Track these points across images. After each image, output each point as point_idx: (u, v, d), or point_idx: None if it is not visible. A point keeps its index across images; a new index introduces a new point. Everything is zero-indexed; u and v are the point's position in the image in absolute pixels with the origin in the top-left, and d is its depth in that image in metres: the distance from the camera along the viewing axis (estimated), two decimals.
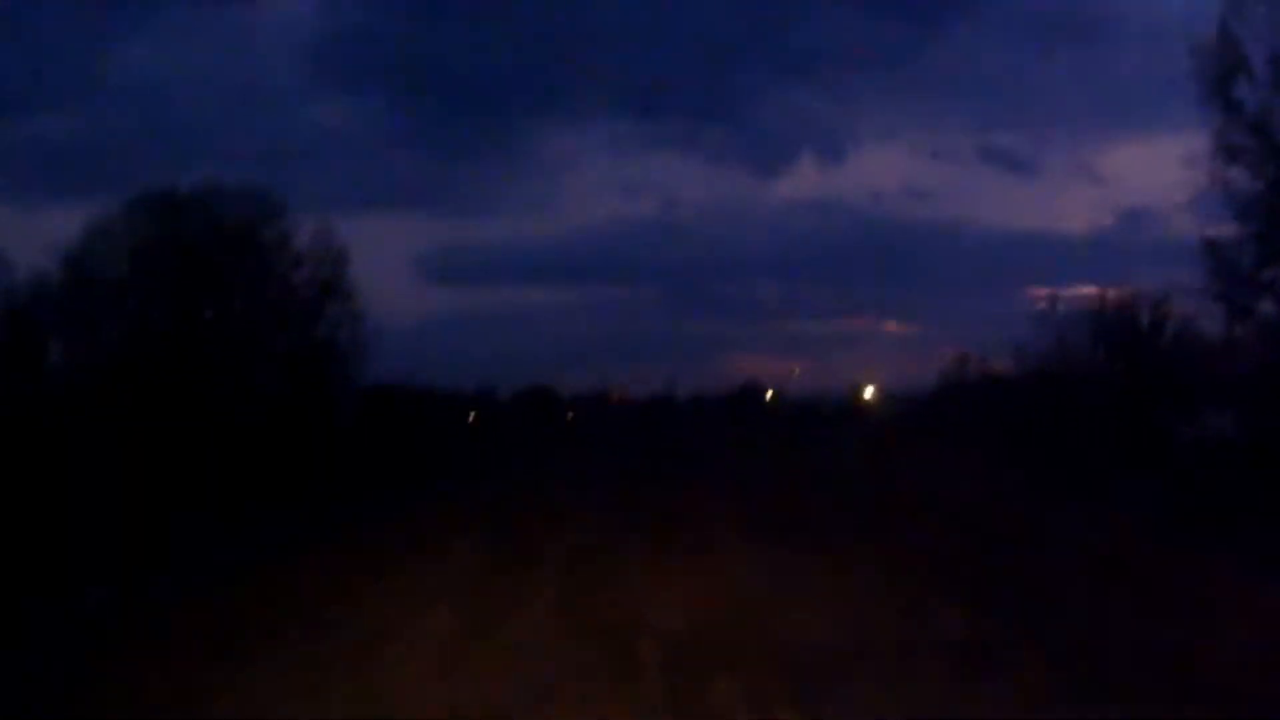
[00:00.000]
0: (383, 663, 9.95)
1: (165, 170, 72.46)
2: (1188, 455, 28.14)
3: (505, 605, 12.45)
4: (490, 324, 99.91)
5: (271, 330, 32.58)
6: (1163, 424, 33.04)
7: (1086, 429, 33.85)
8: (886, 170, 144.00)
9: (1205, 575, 13.58)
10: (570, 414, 75.80)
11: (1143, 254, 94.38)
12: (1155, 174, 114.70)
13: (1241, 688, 8.49)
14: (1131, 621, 10.93)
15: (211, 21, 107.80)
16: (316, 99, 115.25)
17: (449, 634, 11.06)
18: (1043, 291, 52.03)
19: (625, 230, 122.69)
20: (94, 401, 24.10)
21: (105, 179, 77.30)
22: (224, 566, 16.22)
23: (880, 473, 30.47)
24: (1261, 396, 25.19)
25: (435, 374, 52.76)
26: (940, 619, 11.18)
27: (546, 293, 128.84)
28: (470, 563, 16.06)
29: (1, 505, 17.76)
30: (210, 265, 30.17)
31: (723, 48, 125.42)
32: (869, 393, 71.18)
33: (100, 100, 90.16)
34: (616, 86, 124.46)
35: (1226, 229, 23.90)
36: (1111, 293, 36.80)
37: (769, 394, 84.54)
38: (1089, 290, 39.33)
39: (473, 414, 63.42)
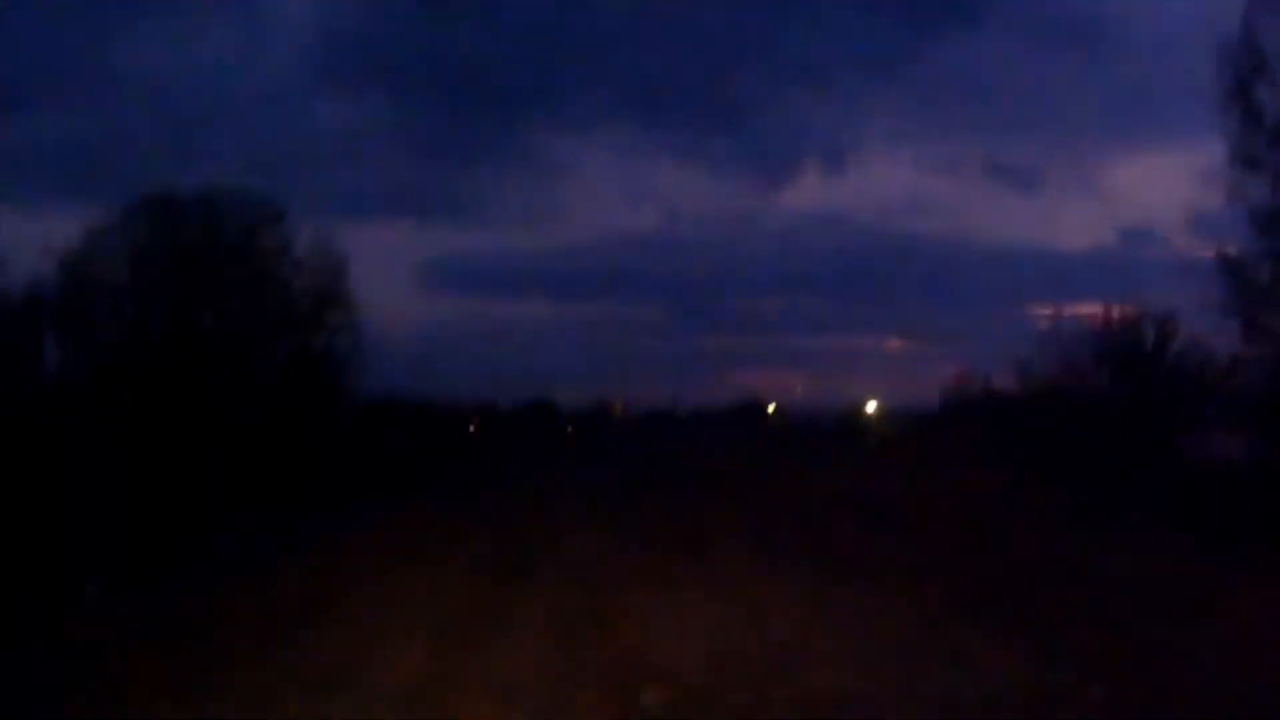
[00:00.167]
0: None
1: (165, 173, 72.20)
2: (1199, 476, 27.66)
3: (492, 638, 11.39)
4: (490, 335, 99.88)
5: (269, 337, 32.28)
6: (1170, 444, 32.67)
7: (1094, 449, 33.47)
8: (891, 183, 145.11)
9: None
10: (570, 428, 75.36)
11: (1147, 271, 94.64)
12: (1160, 190, 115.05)
13: None
14: (1214, 662, 9.98)
15: (213, 23, 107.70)
16: (318, 103, 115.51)
17: (424, 674, 9.93)
18: (1046, 308, 51.72)
19: (627, 241, 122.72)
20: (88, 405, 23.76)
21: (104, 182, 76.98)
22: (191, 583, 15.76)
23: (894, 493, 29.56)
24: (1274, 416, 24.65)
25: (434, 385, 52.31)
26: (992, 666, 9.93)
27: (548, 304, 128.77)
28: (457, 584, 14.96)
29: None
30: (208, 271, 29.88)
31: (728, 58, 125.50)
32: (871, 409, 70.82)
33: (100, 103, 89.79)
34: (621, 96, 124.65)
35: (1240, 243, 23.41)
36: (1116, 310, 36.45)
37: (771, 409, 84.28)
38: (1093, 307, 38.94)
39: (473, 425, 63.01)
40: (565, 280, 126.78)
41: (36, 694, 9.67)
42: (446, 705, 9.00)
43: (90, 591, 14.68)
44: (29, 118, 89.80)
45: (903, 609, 12.72)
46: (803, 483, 33.68)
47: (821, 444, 59.45)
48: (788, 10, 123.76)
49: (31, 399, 24.50)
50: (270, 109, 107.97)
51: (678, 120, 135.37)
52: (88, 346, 27.75)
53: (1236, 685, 9.29)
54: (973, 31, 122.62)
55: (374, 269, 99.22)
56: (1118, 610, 12.58)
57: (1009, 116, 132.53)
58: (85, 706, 9.15)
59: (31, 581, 15.01)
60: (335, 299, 33.57)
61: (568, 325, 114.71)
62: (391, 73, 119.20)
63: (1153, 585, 14.30)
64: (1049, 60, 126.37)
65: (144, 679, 9.78)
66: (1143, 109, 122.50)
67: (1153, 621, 11.82)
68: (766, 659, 10.33)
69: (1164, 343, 34.48)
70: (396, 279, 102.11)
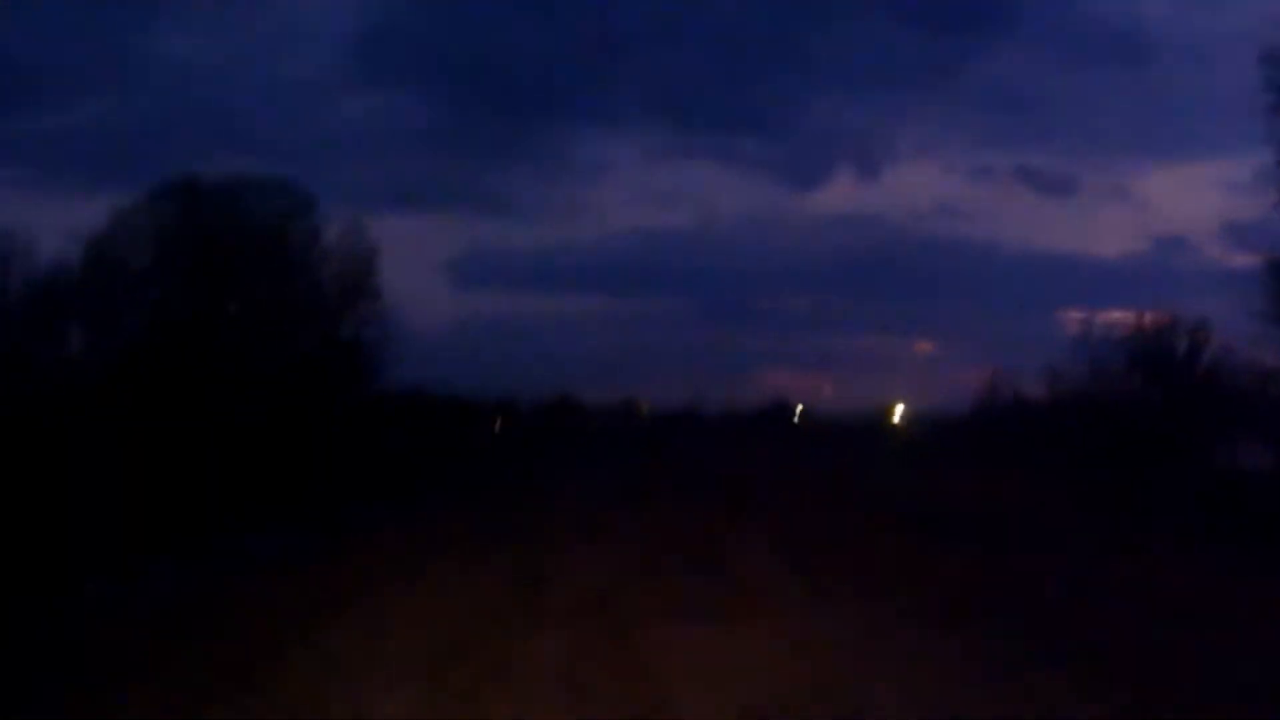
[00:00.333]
0: None
1: (197, 163, 72.63)
2: (1234, 484, 27.15)
3: (491, 682, 9.90)
4: (518, 331, 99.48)
5: (294, 326, 32.31)
6: (1201, 452, 32.31)
7: (1127, 457, 33.10)
8: (922, 186, 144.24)
9: None
10: (595, 425, 75.33)
11: (1178, 279, 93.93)
12: (1193, 199, 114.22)
13: None
14: None
15: (246, 14, 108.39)
16: (352, 97, 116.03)
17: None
18: (1075, 314, 51.27)
19: (659, 240, 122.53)
20: (108, 392, 23.87)
21: (135, 171, 77.57)
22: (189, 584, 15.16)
23: (935, 502, 27.81)
24: None
25: (461, 378, 52.28)
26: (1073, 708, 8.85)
27: (578, 301, 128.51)
28: (453, 610, 13.13)
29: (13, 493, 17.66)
30: (234, 257, 29.93)
31: (760, 58, 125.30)
32: (898, 412, 70.43)
33: (134, 92, 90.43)
34: (653, 95, 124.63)
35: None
36: (1148, 317, 36.11)
37: (798, 410, 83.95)
38: (1122, 314, 38.66)
39: (499, 420, 62.99)
40: (595, 278, 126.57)
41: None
42: None
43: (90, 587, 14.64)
44: (60, 107, 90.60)
45: (969, 647, 11.15)
46: (838, 490, 32.40)
47: (851, 447, 58.88)
48: (822, 14, 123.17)
49: (50, 387, 24.57)
50: (304, 102, 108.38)
51: (710, 121, 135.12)
52: (110, 332, 27.83)
53: None
54: (1008, 39, 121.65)
55: (406, 263, 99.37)
56: (1220, 646, 11.22)
57: (1042, 123, 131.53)
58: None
59: (38, 575, 14.94)
60: (363, 289, 33.59)
61: (596, 322, 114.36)
62: (426, 68, 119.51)
63: (1237, 613, 13.07)
64: (1084, 68, 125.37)
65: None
66: (1176, 118, 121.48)
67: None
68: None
69: (1196, 350, 34.15)
70: (427, 273, 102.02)
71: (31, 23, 79.92)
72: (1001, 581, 15.38)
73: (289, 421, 28.20)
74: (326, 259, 32.86)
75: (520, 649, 10.84)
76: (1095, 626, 12.28)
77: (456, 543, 19.14)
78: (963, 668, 10.31)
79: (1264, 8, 39.66)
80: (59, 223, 37.15)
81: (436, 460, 38.90)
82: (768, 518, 23.56)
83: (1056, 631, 11.93)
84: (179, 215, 29.50)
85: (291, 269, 31.99)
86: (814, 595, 14.30)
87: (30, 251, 25.68)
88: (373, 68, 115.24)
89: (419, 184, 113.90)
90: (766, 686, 9.52)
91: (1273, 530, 19.92)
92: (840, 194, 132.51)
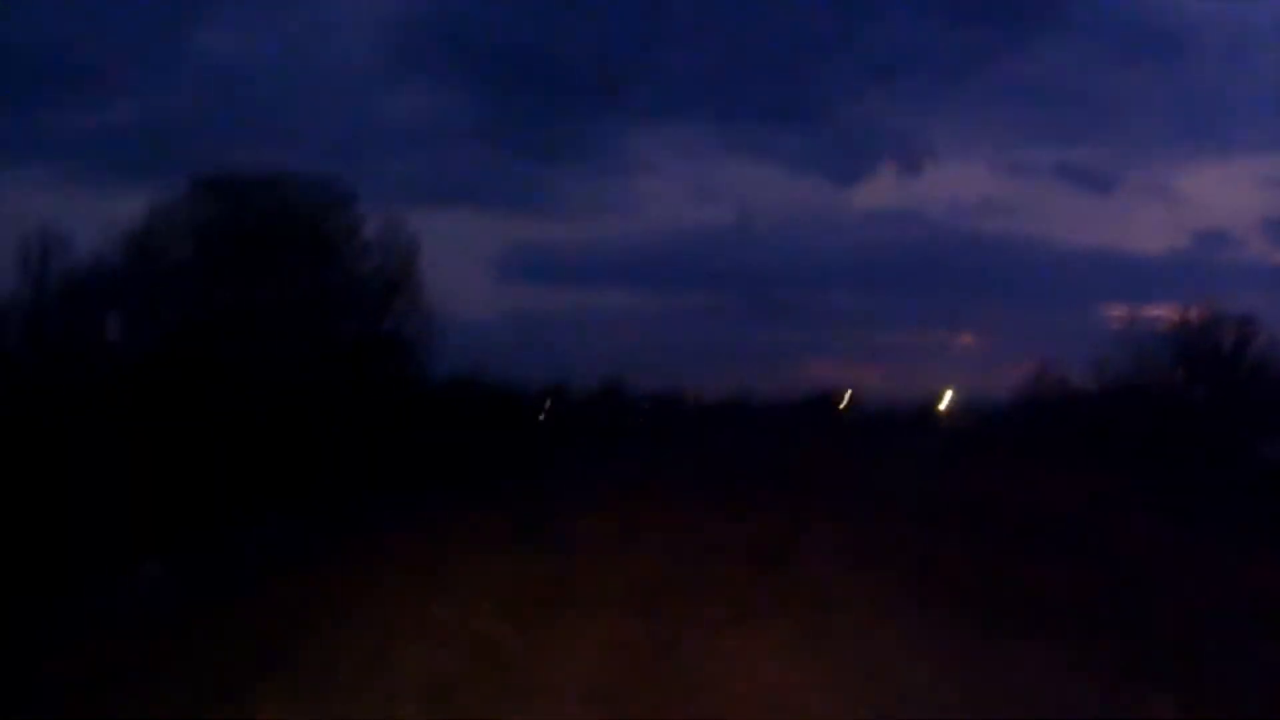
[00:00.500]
0: None
1: (237, 157, 73.26)
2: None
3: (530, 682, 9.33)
4: (564, 325, 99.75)
5: (334, 320, 32.62)
6: (1246, 445, 31.83)
7: (1187, 451, 32.62)
8: (964, 182, 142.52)
9: None
10: (642, 416, 75.37)
11: (1221, 275, 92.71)
12: (1235, 195, 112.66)
13: None
14: None
15: (289, 7, 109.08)
16: (395, 92, 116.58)
17: None
18: (1118, 309, 50.69)
19: (701, 234, 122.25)
20: (146, 385, 24.25)
21: (176, 165, 78.46)
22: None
23: (998, 497, 26.36)
24: None
25: (507, 371, 52.43)
26: None
27: (620, 295, 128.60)
28: (483, 610, 12.43)
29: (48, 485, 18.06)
30: (274, 251, 30.25)
31: (803, 54, 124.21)
32: (946, 399, 69.78)
33: (177, 87, 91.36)
34: (695, 89, 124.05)
35: None
36: (1193, 312, 35.65)
37: (844, 402, 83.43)
38: (1165, 309, 38.25)
39: (548, 402, 63.08)
40: (638, 272, 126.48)
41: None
42: None
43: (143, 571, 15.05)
44: (104, 102, 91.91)
45: (1072, 665, 10.00)
46: (892, 481, 31.44)
47: (900, 438, 58.38)
48: (863, 9, 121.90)
49: (89, 378, 25.00)
50: (346, 97, 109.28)
51: (752, 116, 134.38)
52: (149, 325, 28.23)
53: None
54: (1049, 34, 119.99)
55: (451, 257, 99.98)
56: None
57: (1083, 120, 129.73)
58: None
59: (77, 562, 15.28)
60: (404, 283, 33.83)
61: (639, 316, 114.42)
62: (469, 63, 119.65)
63: None
64: (1124, 63, 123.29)
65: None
66: (1217, 114, 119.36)
67: None
68: None
69: (1243, 345, 33.66)
70: (472, 267, 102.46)
71: (69, 18, 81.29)
72: (1085, 584, 14.24)
73: (327, 415, 28.49)
74: (366, 252, 33.15)
75: (547, 669, 9.91)
76: (1198, 635, 11.31)
77: (489, 541, 18.44)
78: (1060, 687, 9.36)
79: None
80: (99, 218, 37.72)
81: (477, 451, 39.04)
82: (825, 513, 22.24)
83: (1162, 646, 10.94)
84: (218, 208, 29.84)
85: (331, 262, 32.31)
86: (879, 601, 13.15)
87: (69, 246, 26.15)
88: (415, 62, 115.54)
89: (463, 178, 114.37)
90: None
91: None
92: (882, 189, 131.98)
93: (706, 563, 15.77)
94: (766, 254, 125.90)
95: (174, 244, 28.87)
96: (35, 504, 17.03)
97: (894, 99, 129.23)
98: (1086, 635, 11.36)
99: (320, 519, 21.54)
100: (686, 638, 10.97)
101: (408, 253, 33.76)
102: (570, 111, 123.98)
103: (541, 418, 60.82)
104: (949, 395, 69.56)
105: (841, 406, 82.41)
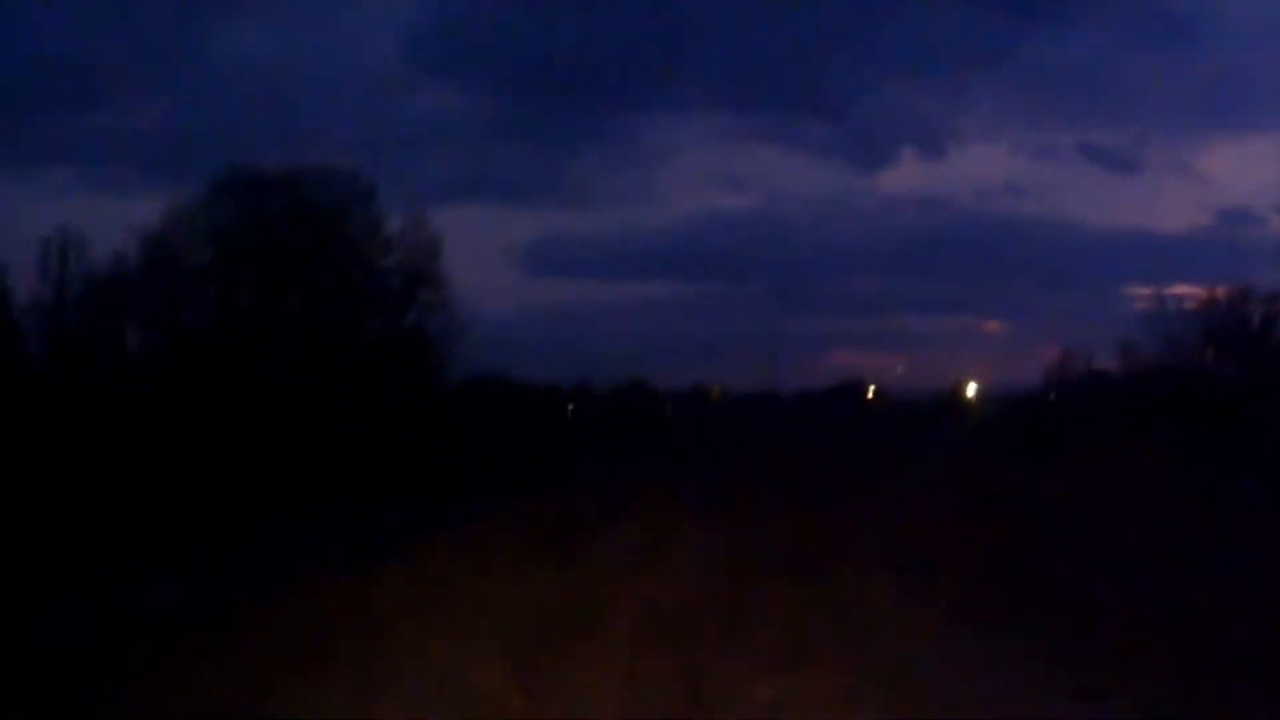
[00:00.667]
0: None
1: (261, 157, 73.38)
2: None
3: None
4: (588, 317, 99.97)
5: (357, 317, 32.53)
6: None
7: (1213, 432, 32.13)
8: (988, 166, 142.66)
9: None
10: (669, 410, 75.29)
11: (1246, 254, 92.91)
12: (1259, 174, 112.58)
13: None
14: None
15: (311, 6, 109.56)
16: (419, 88, 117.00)
17: None
18: (1143, 290, 50.20)
19: (725, 224, 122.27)
20: (170, 386, 24.26)
21: (198, 166, 78.58)
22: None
23: (1041, 492, 25.75)
24: None
25: (531, 367, 52.38)
26: None
27: (646, 287, 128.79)
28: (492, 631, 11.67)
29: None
30: (295, 249, 30.18)
31: (825, 41, 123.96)
32: (970, 391, 69.31)
33: (199, 87, 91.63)
34: (717, 78, 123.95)
35: None
36: (1221, 291, 35.22)
37: (870, 390, 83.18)
38: (1192, 289, 37.78)
39: (571, 406, 63.10)
40: (662, 262, 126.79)
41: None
42: None
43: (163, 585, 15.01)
44: (126, 104, 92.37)
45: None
46: (926, 476, 31.15)
47: (927, 428, 57.89)
48: None
49: (109, 381, 25.00)
50: (371, 94, 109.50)
51: (776, 104, 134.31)
52: (170, 325, 28.20)
53: None
54: (1070, 16, 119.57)
55: (475, 252, 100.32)
56: None
57: (1105, 101, 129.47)
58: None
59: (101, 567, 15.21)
60: (428, 278, 33.62)
61: (665, 307, 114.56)
62: (492, 56, 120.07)
63: None
64: (1145, 44, 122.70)
65: None
66: (1238, 93, 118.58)
67: None
68: None
69: (1271, 321, 33.28)
70: (497, 262, 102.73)
71: (89, 20, 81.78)
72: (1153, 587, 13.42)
73: (352, 413, 28.39)
74: (389, 248, 32.98)
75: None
76: None
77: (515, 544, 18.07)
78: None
79: None
80: (119, 219, 37.77)
81: (501, 450, 38.89)
82: (862, 517, 21.54)
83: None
84: (240, 206, 29.74)
85: (353, 258, 32.18)
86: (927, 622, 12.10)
87: (90, 247, 26.17)
88: (439, 57, 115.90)
89: (487, 172, 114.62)
90: None
91: None
92: (906, 175, 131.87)
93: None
94: (791, 241, 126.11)
95: (195, 243, 28.77)
96: (55, 506, 17.01)
97: (917, 85, 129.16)
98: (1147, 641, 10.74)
99: (333, 533, 20.48)
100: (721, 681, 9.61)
101: (431, 247, 33.58)
102: (596, 103, 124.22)
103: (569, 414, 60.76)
104: (972, 388, 68.99)
105: (869, 396, 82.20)
